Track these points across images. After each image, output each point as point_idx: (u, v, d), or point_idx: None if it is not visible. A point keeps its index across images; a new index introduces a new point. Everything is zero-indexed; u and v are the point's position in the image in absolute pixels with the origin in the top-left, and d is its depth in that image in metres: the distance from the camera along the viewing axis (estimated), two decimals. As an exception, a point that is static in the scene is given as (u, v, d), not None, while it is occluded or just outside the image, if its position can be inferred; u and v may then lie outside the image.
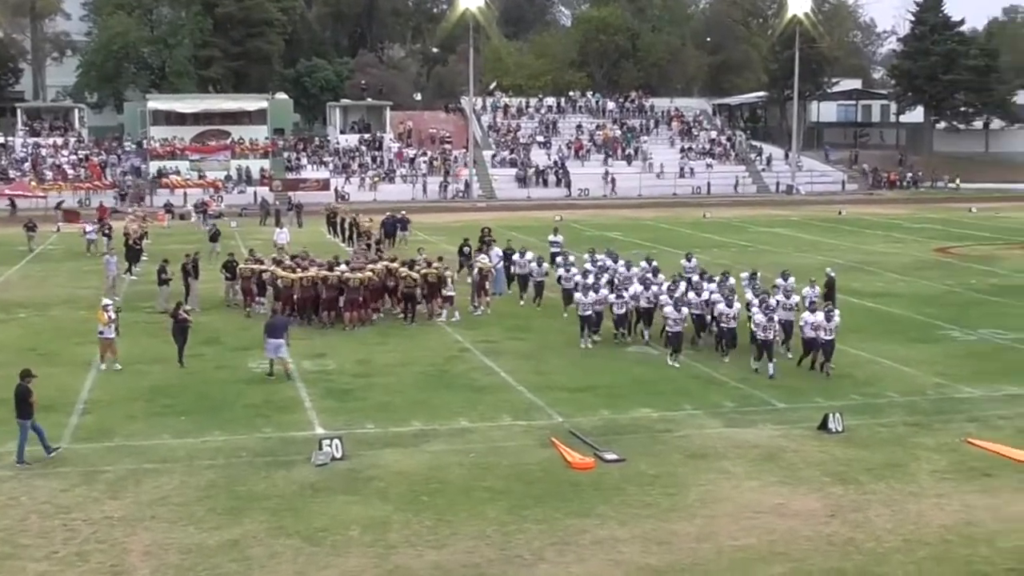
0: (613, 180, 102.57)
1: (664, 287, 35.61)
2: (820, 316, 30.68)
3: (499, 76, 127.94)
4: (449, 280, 39.54)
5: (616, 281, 37.94)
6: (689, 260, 42.04)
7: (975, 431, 25.51)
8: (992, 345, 35.54)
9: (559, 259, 44.11)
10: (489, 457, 23.67)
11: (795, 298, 33.67)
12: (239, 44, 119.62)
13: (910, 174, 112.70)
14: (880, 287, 44.20)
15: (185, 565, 18.09)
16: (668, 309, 32.73)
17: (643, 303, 35.25)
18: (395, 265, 40.16)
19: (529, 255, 43.50)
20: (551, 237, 50.33)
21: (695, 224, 75.60)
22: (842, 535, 19.23)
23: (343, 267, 39.43)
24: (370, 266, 39.93)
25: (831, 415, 25.65)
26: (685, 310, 33.05)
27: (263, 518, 20.01)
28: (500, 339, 36.59)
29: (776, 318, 31.30)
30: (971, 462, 23.27)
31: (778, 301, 32.74)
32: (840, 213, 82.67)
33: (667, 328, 32.77)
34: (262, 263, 41.10)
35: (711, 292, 34.67)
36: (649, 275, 37.36)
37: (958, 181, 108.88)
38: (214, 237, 55.49)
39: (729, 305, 32.80)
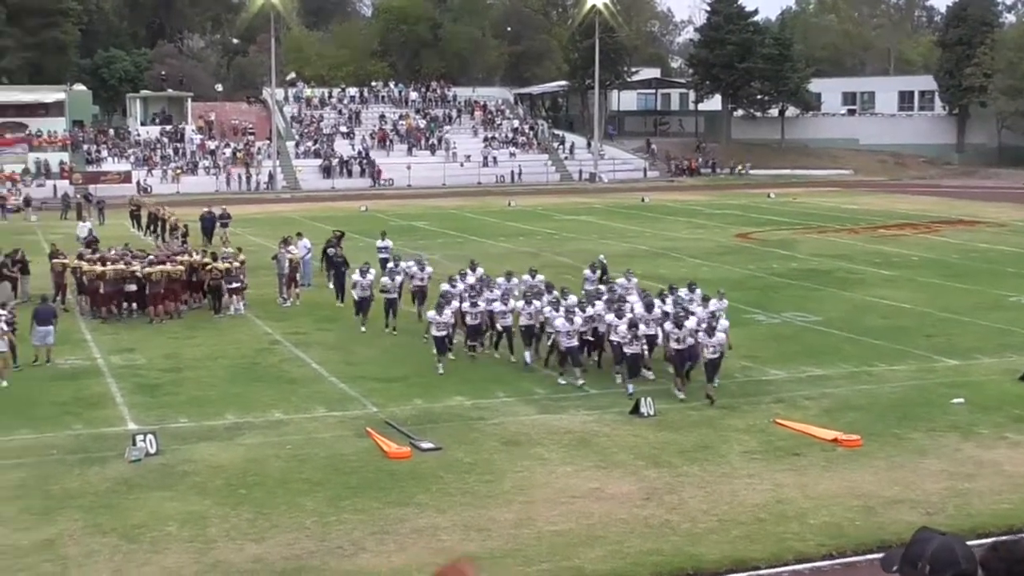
0: (378, 172, 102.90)
1: (547, 299, 31.22)
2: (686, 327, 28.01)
3: (300, 67, 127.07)
4: (234, 271, 39.25)
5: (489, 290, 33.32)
6: (594, 272, 36.91)
7: (782, 412, 26.14)
8: (795, 327, 36.46)
9: (390, 265, 38.94)
10: (305, 449, 23.58)
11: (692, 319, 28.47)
12: (34, 34, 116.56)
13: (710, 161, 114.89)
14: (684, 272, 44.78)
15: (-2, 567, 17.75)
16: (559, 322, 29.01)
17: (524, 320, 31.02)
18: (198, 259, 39.92)
19: (372, 273, 36.86)
20: (379, 243, 45.75)
21: (501, 213, 75.96)
22: (658, 517, 19.55)
23: (148, 259, 38.99)
24: (178, 258, 39.71)
25: (643, 400, 26.05)
26: (578, 320, 29.16)
27: (78, 516, 19.63)
28: (310, 330, 36.44)
29: (641, 332, 28.23)
30: (779, 442, 23.85)
31: (667, 313, 29.38)
32: (643, 200, 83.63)
33: (560, 343, 29.21)
34: (65, 256, 40.60)
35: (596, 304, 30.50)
36: (536, 288, 33.21)
37: (748, 167, 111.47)
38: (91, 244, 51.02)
39: (619, 316, 28.95)
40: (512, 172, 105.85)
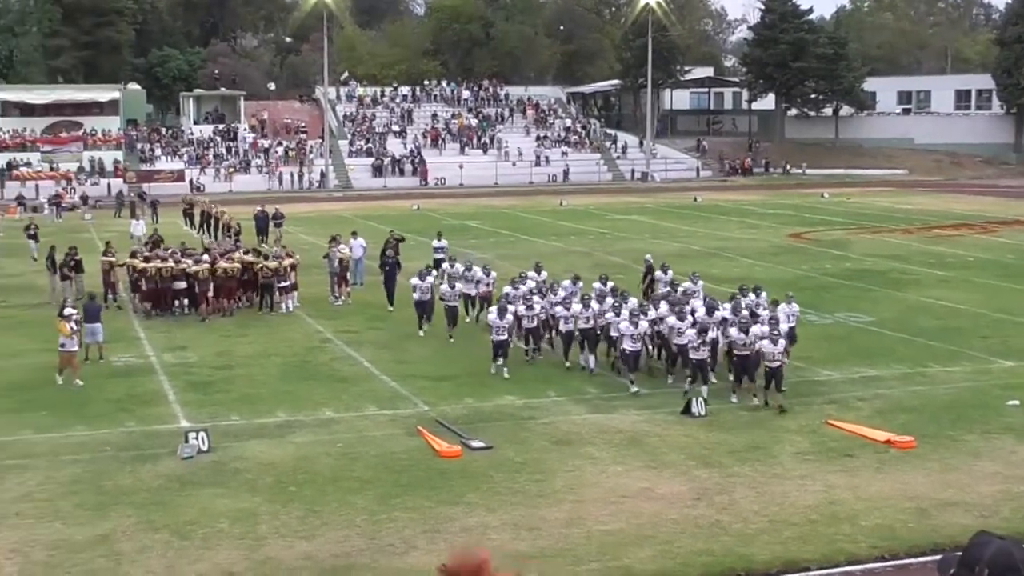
0: (425, 172, 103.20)
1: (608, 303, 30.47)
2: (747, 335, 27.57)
3: (353, 66, 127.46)
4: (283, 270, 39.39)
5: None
6: (665, 272, 36.18)
7: (835, 413, 25.93)
8: (848, 328, 36.20)
9: (445, 266, 38.79)
10: (356, 447, 23.61)
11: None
12: (89, 33, 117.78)
13: (763, 160, 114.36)
14: (737, 273, 44.63)
15: (53, 562, 17.82)
16: (624, 325, 28.47)
17: (582, 323, 30.29)
18: (249, 258, 40.09)
19: (431, 277, 36.21)
20: (435, 243, 45.37)
21: (552, 212, 75.91)
22: (709, 517, 19.45)
23: (205, 258, 39.22)
24: (233, 255, 39.99)
25: (694, 400, 25.93)
26: (644, 324, 28.72)
27: (131, 512, 19.77)
28: (361, 329, 36.49)
29: (709, 337, 27.72)
30: (832, 443, 23.67)
31: (725, 319, 28.79)
32: (695, 200, 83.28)
33: (624, 347, 28.63)
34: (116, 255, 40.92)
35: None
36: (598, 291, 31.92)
37: (804, 167, 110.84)
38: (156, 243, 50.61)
39: (681, 318, 28.73)
40: (564, 171, 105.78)
